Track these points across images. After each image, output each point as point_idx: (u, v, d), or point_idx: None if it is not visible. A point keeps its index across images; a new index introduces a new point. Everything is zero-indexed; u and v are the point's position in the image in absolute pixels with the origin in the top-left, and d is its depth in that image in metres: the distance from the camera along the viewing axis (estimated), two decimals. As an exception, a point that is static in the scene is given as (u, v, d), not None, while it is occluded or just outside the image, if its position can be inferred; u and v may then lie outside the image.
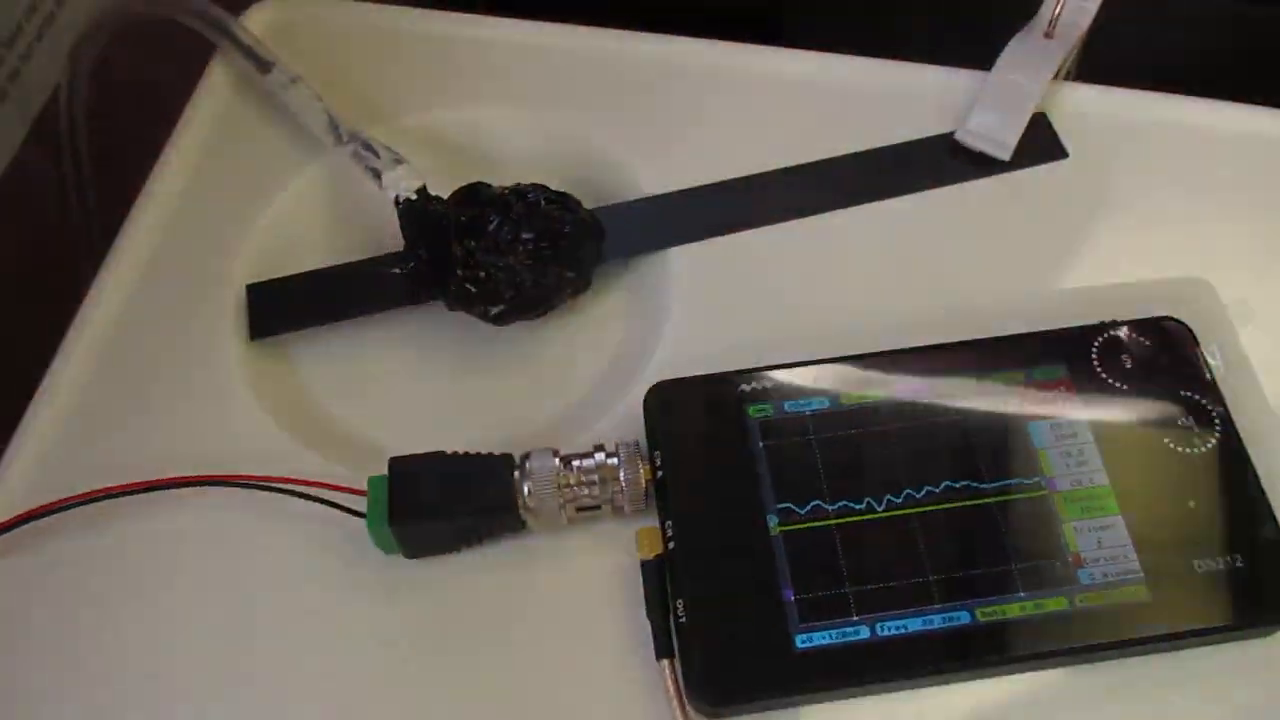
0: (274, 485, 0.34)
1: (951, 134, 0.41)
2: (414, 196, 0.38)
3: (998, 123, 0.41)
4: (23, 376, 0.38)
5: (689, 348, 0.37)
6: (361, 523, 0.33)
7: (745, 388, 0.35)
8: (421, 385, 0.39)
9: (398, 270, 0.39)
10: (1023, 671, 0.31)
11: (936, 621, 0.31)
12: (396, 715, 0.32)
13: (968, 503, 0.33)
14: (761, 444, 0.34)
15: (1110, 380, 0.35)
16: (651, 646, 0.32)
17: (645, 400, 0.35)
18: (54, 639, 0.33)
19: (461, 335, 0.39)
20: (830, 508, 0.33)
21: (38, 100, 0.45)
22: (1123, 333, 0.36)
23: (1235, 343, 0.37)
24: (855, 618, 0.31)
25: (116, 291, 0.39)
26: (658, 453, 0.34)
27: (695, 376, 0.35)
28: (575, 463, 0.34)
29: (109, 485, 0.34)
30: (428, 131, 0.43)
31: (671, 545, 0.33)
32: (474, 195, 0.38)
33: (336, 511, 0.34)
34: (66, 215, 0.48)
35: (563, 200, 0.38)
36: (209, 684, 0.33)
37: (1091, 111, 0.42)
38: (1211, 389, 0.35)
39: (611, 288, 0.40)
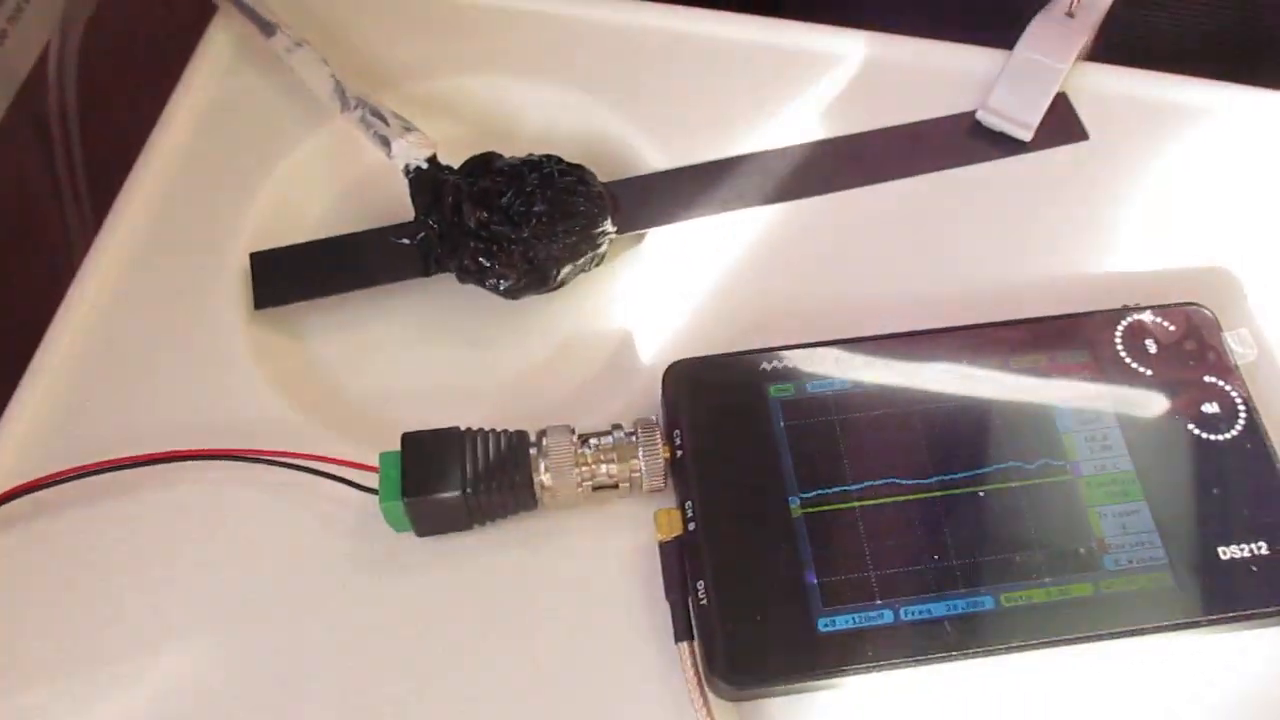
0: (280, 460, 0.33)
1: (972, 113, 0.41)
2: (424, 165, 0.37)
3: (1019, 103, 0.40)
4: (17, 346, 0.37)
5: (704, 325, 0.37)
6: (371, 500, 0.32)
7: (767, 367, 0.34)
8: (431, 359, 0.38)
9: (407, 241, 0.38)
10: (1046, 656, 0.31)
11: (960, 606, 0.31)
12: (405, 696, 0.31)
13: (991, 486, 0.32)
14: (783, 424, 0.33)
15: (1134, 365, 0.34)
16: (667, 628, 0.31)
17: (664, 378, 0.34)
18: (54, 613, 0.33)
19: (472, 308, 0.38)
20: (853, 490, 0.32)
21: (24, 64, 0.44)
22: (1146, 317, 0.35)
23: (1257, 329, 0.36)
24: (879, 601, 0.31)
25: (113, 260, 0.38)
26: (676, 432, 0.33)
27: (715, 355, 0.35)
28: (593, 440, 0.33)
29: (109, 458, 0.33)
30: (436, 99, 0.42)
31: (692, 526, 0.32)
32: (486, 165, 0.37)
33: (344, 487, 0.33)
34: (56, 183, 0.46)
35: (578, 172, 0.38)
36: (213, 662, 0.32)
37: (1113, 93, 0.41)
38: (1235, 375, 0.34)
39: (625, 262, 0.39)
